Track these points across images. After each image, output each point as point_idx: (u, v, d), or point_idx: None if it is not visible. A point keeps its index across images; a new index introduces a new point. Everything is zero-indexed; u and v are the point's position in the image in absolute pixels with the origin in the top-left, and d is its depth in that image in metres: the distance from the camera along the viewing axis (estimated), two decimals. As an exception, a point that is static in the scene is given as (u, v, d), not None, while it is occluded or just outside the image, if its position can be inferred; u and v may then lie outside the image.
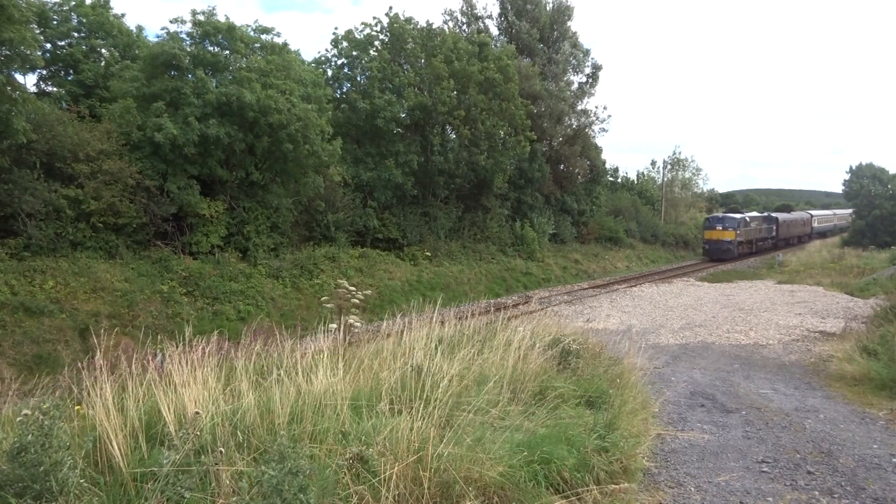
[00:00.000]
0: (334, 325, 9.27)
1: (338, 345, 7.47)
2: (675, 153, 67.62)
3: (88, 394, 5.20)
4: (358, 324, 10.27)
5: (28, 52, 17.35)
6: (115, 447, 4.48)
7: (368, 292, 19.11)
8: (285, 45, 25.39)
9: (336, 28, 63.80)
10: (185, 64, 21.62)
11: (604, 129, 56.19)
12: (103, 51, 25.48)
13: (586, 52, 46.31)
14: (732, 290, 28.56)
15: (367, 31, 31.52)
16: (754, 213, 56.43)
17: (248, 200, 23.91)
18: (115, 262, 19.78)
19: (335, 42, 31.38)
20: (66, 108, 22.23)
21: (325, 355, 6.48)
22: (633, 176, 66.36)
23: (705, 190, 72.41)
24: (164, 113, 20.51)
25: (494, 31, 44.27)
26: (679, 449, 7.73)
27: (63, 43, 24.59)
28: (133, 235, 20.74)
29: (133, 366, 5.97)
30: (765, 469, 7.11)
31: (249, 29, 24.29)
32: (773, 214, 58.98)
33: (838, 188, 69.41)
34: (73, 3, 24.68)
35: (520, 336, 8.37)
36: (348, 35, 31.22)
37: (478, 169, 33.30)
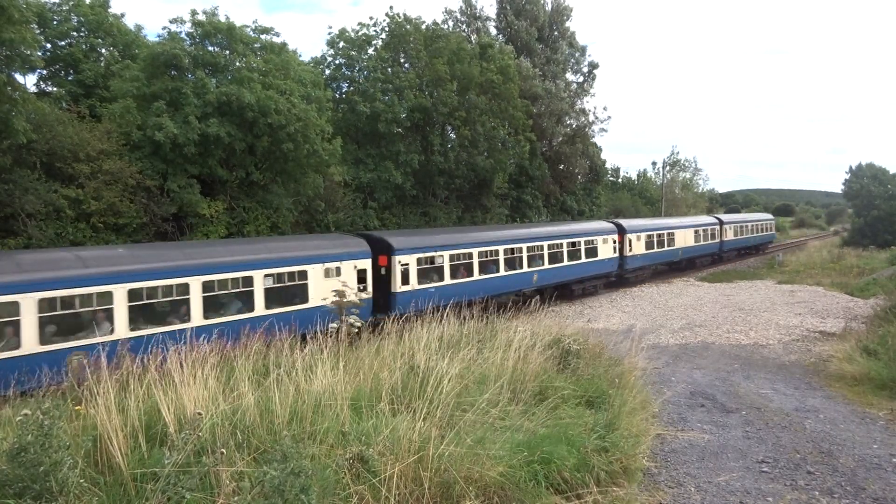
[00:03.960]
0: (334, 325, 9.28)
1: (338, 345, 7.47)
2: (673, 153, 67.73)
3: (90, 393, 5.21)
4: (358, 323, 10.27)
5: (28, 53, 17.35)
6: (116, 447, 4.48)
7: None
8: (284, 45, 25.43)
9: (330, 28, 63.56)
10: (185, 64, 21.63)
11: (604, 130, 56.19)
12: (103, 50, 25.49)
13: (584, 52, 46.45)
14: (732, 290, 28.55)
15: (364, 30, 31.55)
16: None
17: (248, 200, 23.92)
18: (115, 262, 19.73)
19: (331, 42, 31.42)
20: (66, 108, 22.23)
21: (325, 355, 6.48)
22: (633, 176, 66.50)
23: (706, 190, 72.48)
24: (165, 112, 20.53)
25: (493, 30, 44.32)
26: (679, 449, 7.73)
27: (63, 43, 24.59)
28: (133, 235, 20.74)
29: (134, 365, 5.98)
30: (765, 469, 7.12)
31: (249, 29, 24.32)
32: None
33: (838, 188, 68.26)
34: (72, 2, 24.68)
35: (520, 336, 8.37)
36: (343, 34, 31.23)
37: (477, 169, 33.35)
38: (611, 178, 59.19)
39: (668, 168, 64.02)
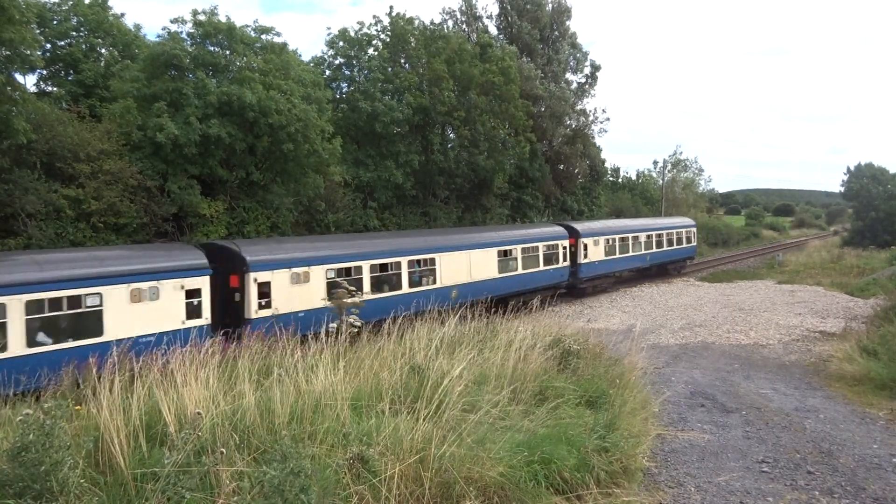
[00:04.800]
0: (334, 325, 9.28)
1: (338, 344, 7.47)
2: (675, 153, 67.55)
3: (94, 393, 5.21)
4: (358, 323, 10.28)
5: (28, 53, 17.35)
6: (116, 447, 4.49)
7: (368, 292, 19.02)
8: (285, 45, 25.41)
9: (329, 28, 63.38)
10: (185, 64, 21.63)
11: (604, 130, 56.23)
12: (103, 50, 25.49)
13: (585, 53, 46.45)
14: (732, 290, 28.55)
15: (365, 30, 31.54)
16: None
17: (249, 200, 23.92)
18: (115, 262, 19.73)
19: (331, 43, 31.40)
20: (66, 108, 22.22)
21: (326, 355, 6.49)
22: (633, 176, 66.46)
23: (706, 190, 72.50)
24: (165, 113, 20.54)
25: (494, 30, 44.31)
26: (679, 449, 7.73)
27: (63, 43, 24.59)
28: (133, 235, 20.73)
29: (138, 366, 5.99)
30: (765, 469, 7.12)
31: (250, 29, 24.30)
32: None
33: (838, 188, 68.07)
34: (72, 2, 24.68)
35: (520, 336, 8.38)
36: (343, 34, 31.22)
37: (478, 169, 33.35)
38: (611, 179, 59.17)
39: (669, 167, 63.97)
